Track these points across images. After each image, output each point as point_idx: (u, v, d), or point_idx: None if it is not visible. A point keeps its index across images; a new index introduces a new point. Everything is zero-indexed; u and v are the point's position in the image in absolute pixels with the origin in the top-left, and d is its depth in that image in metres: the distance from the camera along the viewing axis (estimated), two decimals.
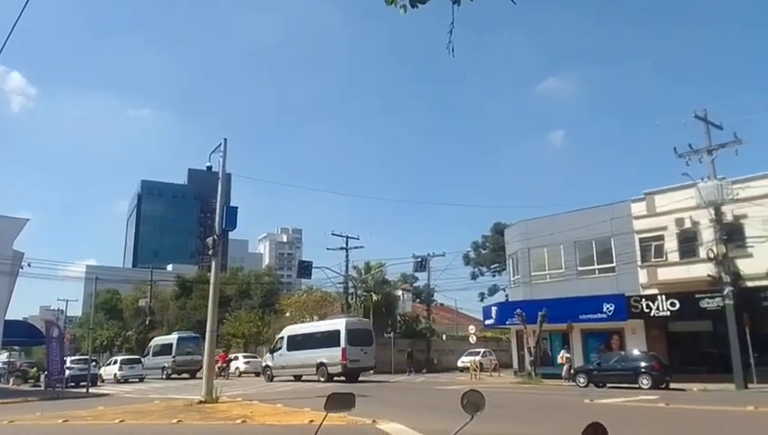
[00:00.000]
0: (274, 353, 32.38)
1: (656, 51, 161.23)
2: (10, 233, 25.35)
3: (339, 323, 29.60)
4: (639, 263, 27.75)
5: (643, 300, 26.23)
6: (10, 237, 25.33)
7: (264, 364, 33.67)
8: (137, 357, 40.31)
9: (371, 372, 30.94)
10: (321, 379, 28.38)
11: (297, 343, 31.25)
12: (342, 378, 28.49)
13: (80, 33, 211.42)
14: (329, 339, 28.84)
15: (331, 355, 28.19)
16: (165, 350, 40.67)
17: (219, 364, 37.11)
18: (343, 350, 27.91)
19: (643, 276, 27.51)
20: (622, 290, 27.24)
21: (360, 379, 28.89)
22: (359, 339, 28.74)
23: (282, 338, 32.67)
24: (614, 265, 28.92)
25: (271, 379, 31.54)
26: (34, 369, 35.12)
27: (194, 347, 39.80)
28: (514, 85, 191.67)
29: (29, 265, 29.84)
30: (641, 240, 27.88)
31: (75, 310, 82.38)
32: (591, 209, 30.04)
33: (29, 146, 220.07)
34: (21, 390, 29.57)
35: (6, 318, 26.27)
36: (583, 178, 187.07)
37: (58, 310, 73.44)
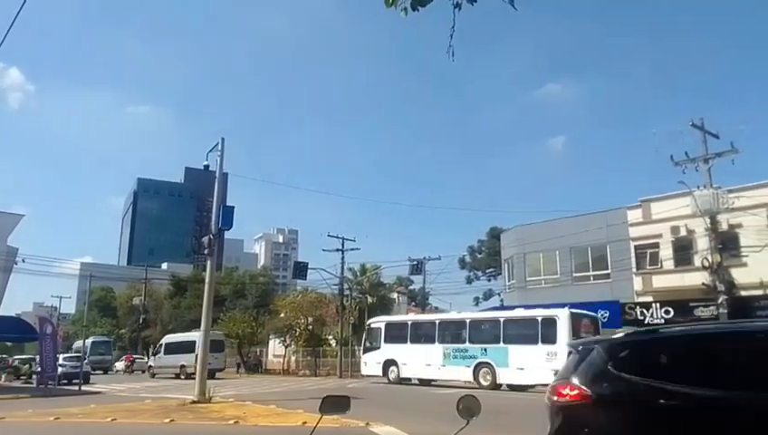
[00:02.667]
0: (156, 356, 40.70)
1: (656, 58, 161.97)
2: (5, 228, 25.28)
3: (195, 335, 35.92)
4: (634, 270, 27.83)
5: (637, 307, 26.31)
6: (4, 233, 25.26)
7: (148, 364, 42.11)
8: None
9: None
10: (182, 377, 34.91)
11: (170, 348, 38.99)
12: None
13: (81, 28, 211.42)
14: (188, 347, 35.23)
15: (189, 359, 34.39)
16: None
17: (126, 363, 47.75)
18: (197, 356, 32.97)
19: (638, 284, 27.59)
20: (617, 297, 27.31)
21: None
22: (211, 347, 35.54)
23: (161, 345, 41.23)
24: (609, 271, 28.99)
25: (153, 376, 38.66)
26: (27, 365, 34.91)
27: (105, 349, 48.77)
28: (513, 90, 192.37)
29: (23, 260, 29.83)
30: (637, 247, 27.95)
31: (69, 307, 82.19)
32: (587, 216, 30.13)
33: (26, 142, 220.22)
34: (12, 386, 29.40)
35: None
36: (581, 184, 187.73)
37: (51, 307, 73.10)
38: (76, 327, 65.85)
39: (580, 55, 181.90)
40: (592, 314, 26.44)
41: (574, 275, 30.26)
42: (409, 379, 26.56)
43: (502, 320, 24.47)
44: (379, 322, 30.17)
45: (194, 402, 17.35)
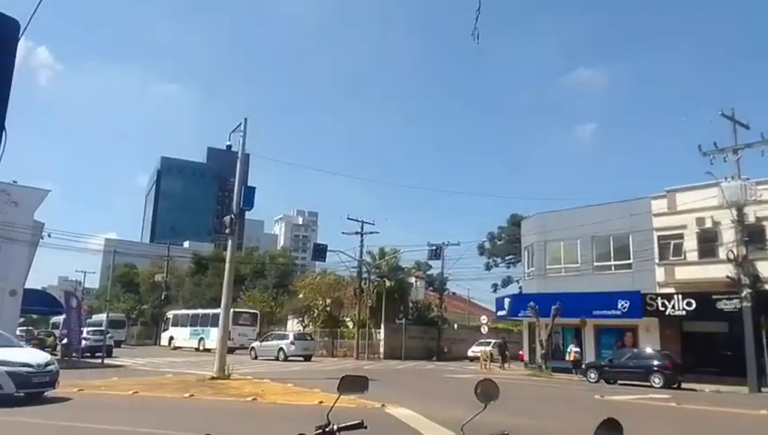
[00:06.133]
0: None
1: (694, 43, 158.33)
2: (31, 203, 25.69)
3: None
4: (657, 261, 27.42)
5: (659, 298, 25.98)
6: (31, 208, 25.68)
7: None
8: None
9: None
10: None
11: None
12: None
13: (109, 7, 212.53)
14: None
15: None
16: None
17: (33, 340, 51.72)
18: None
19: (660, 275, 27.19)
20: (638, 287, 26.99)
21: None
22: (113, 325, 43.32)
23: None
24: (631, 261, 28.62)
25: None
26: (51, 338, 35.74)
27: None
28: (543, 74, 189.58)
29: (49, 235, 30.30)
30: (660, 238, 27.52)
31: (92, 282, 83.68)
32: (610, 205, 29.72)
33: (54, 119, 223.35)
34: None
35: (26, 287, 26.73)
36: (608, 172, 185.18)
37: (76, 281, 74.55)
38: (100, 302, 67.21)
39: (614, 39, 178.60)
40: (253, 311, 45.00)
41: (595, 264, 29.94)
42: (181, 347, 42.72)
43: (210, 314, 39.63)
44: (170, 313, 48.47)
45: (213, 378, 17.64)
